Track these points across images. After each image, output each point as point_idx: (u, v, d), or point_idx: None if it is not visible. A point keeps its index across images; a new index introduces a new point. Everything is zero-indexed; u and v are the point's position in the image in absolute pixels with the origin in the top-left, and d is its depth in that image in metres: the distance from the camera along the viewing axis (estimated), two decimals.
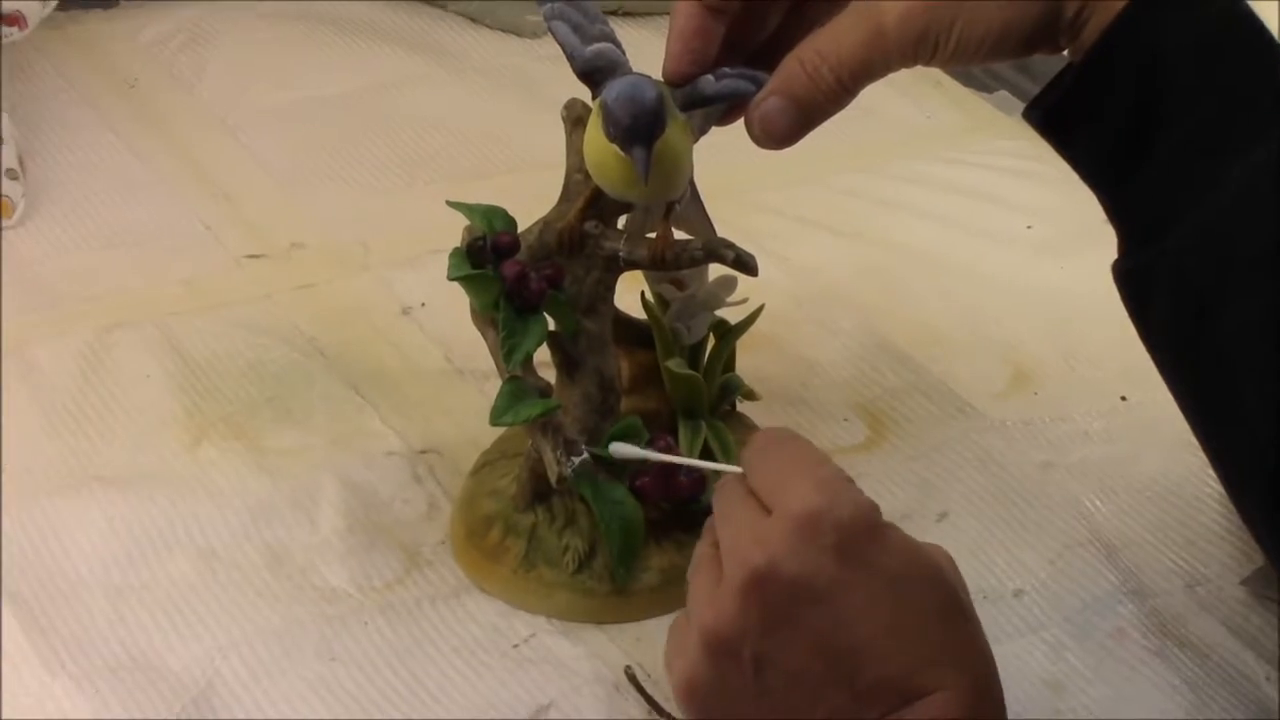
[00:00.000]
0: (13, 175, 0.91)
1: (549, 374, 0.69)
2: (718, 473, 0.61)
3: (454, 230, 0.68)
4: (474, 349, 0.72)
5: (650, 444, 0.68)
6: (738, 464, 0.57)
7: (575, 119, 0.68)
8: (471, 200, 0.68)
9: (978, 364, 0.85)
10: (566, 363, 0.69)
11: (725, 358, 0.76)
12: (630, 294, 0.73)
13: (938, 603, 0.52)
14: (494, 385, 0.67)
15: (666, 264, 0.66)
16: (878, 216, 0.96)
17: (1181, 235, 0.56)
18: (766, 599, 0.50)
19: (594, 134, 0.62)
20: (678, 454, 0.68)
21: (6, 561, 0.70)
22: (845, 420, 0.81)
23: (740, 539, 0.52)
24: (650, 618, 0.69)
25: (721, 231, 0.69)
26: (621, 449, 0.65)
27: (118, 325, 0.83)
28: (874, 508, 0.52)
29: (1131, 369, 0.82)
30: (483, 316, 0.68)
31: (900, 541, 0.52)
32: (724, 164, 0.72)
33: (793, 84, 0.60)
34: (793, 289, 0.89)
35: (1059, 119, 0.59)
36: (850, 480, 0.53)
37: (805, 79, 0.60)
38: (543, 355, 0.68)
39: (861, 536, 0.51)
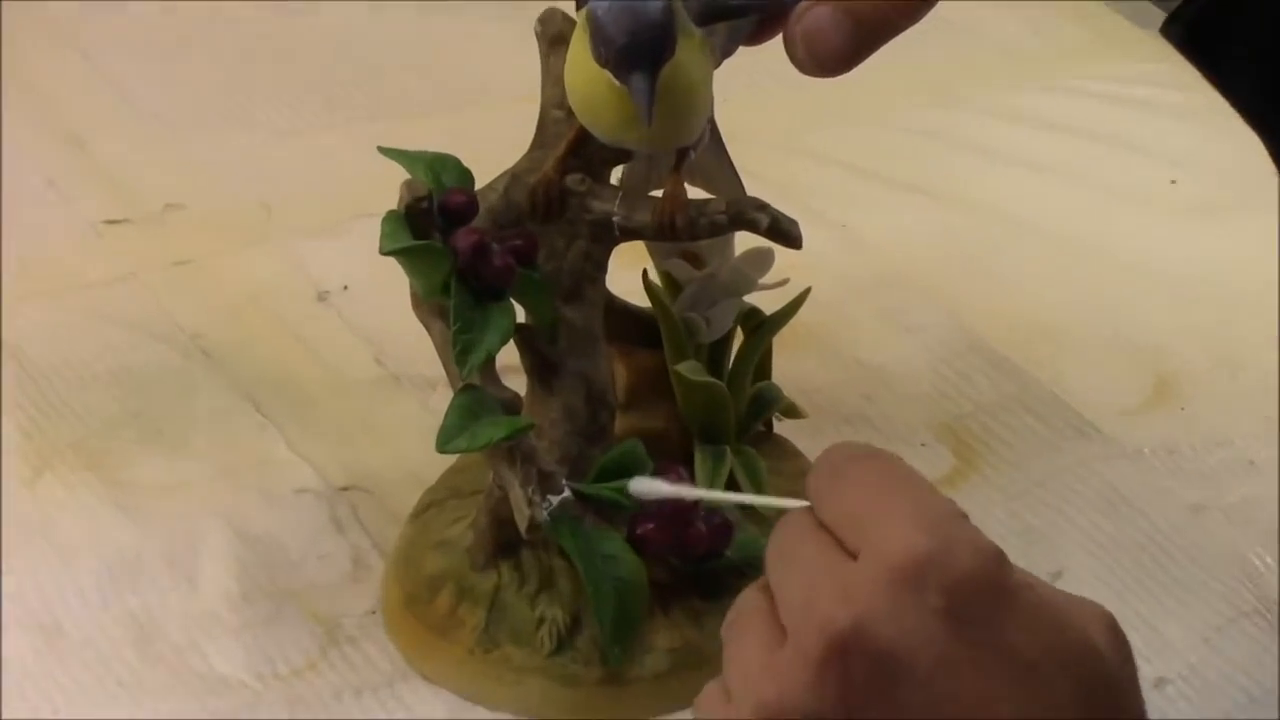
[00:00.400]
0: None
1: (518, 382, 0.69)
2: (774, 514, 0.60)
3: (388, 187, 0.68)
4: (415, 348, 0.72)
5: (657, 475, 0.68)
6: (794, 495, 0.56)
7: (553, 36, 0.68)
8: (411, 146, 0.68)
9: (1103, 369, 0.86)
10: (542, 367, 0.69)
11: (758, 360, 0.77)
12: (629, 273, 0.73)
13: (1083, 691, 0.51)
14: (442, 397, 0.68)
15: (677, 232, 0.66)
16: (966, 168, 0.96)
17: None
18: (851, 674, 0.50)
19: (579, 56, 0.62)
20: (692, 489, 0.68)
21: None
22: (923, 445, 0.82)
23: (816, 590, 0.51)
24: (654, 715, 0.69)
25: (752, 187, 0.69)
26: (645, 486, 0.63)
27: None
28: (999, 556, 0.52)
29: None
30: (427, 304, 0.68)
31: (1035, 603, 0.52)
32: (756, 97, 0.72)
33: None
34: (850, 267, 0.89)
35: (1207, 35, 0.59)
36: (964, 515, 0.53)
37: None
38: (510, 357, 0.69)
39: (983, 595, 0.51)
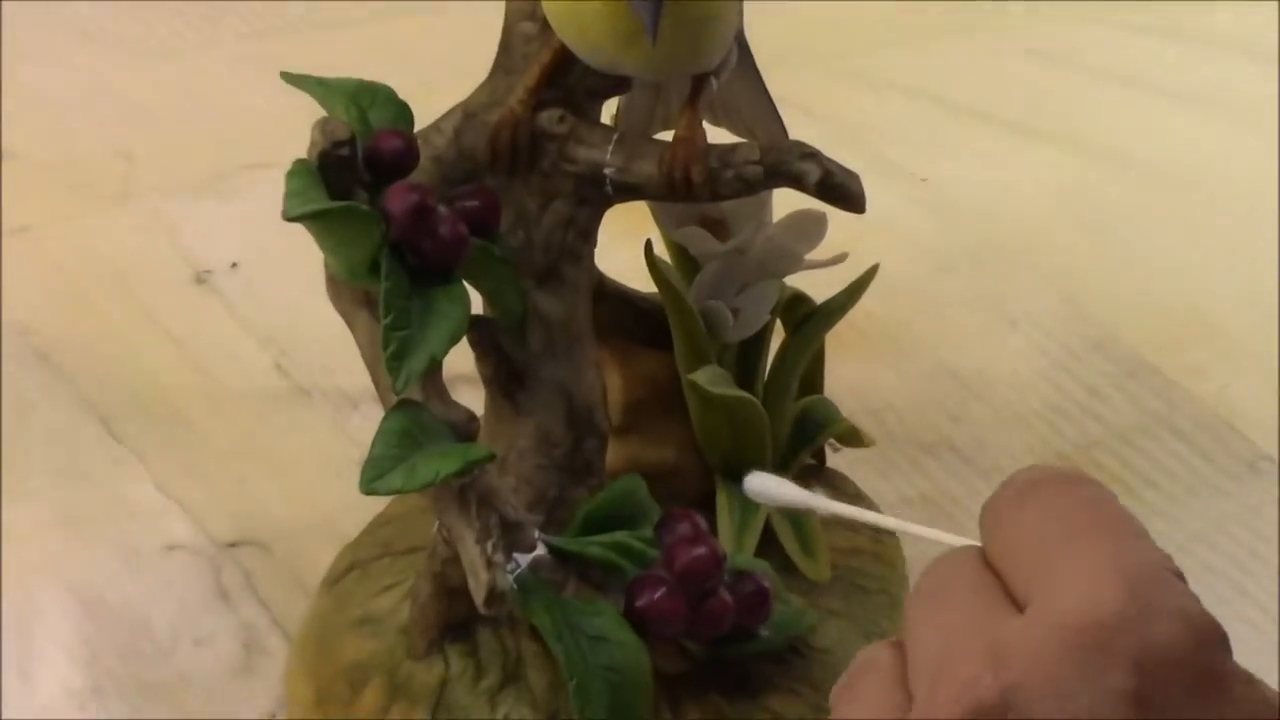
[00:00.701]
0: None
1: (474, 397, 0.70)
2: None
3: (295, 127, 0.68)
4: (329, 350, 0.72)
5: (664, 526, 0.68)
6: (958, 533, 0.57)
7: None
8: (325, 71, 0.69)
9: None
10: (506, 376, 0.70)
11: (805, 367, 0.77)
12: (627, 245, 0.74)
13: None
14: (368, 416, 0.68)
15: (692, 189, 0.66)
16: (1094, 103, 0.97)
17: None
18: None
19: None
20: (712, 543, 0.68)
21: None
22: None
23: (959, 643, 0.52)
24: None
25: (797, 128, 0.69)
26: (762, 485, 0.62)
27: None
28: (1217, 635, 0.51)
29: None
30: (349, 289, 0.68)
31: (1257, 703, 0.52)
32: (803, 4, 0.72)
33: None
34: (933, 237, 0.90)
35: None
36: (1179, 574, 0.53)
37: None
38: (463, 362, 0.69)
39: (1185, 681, 0.51)
